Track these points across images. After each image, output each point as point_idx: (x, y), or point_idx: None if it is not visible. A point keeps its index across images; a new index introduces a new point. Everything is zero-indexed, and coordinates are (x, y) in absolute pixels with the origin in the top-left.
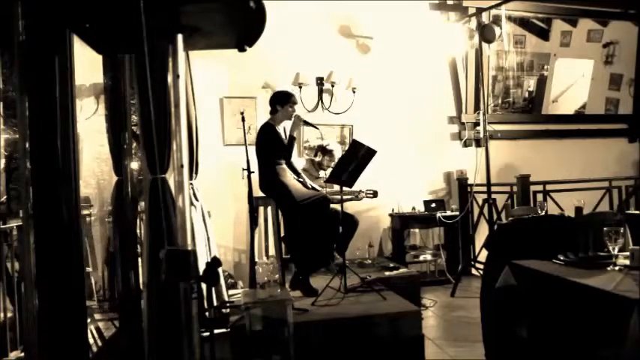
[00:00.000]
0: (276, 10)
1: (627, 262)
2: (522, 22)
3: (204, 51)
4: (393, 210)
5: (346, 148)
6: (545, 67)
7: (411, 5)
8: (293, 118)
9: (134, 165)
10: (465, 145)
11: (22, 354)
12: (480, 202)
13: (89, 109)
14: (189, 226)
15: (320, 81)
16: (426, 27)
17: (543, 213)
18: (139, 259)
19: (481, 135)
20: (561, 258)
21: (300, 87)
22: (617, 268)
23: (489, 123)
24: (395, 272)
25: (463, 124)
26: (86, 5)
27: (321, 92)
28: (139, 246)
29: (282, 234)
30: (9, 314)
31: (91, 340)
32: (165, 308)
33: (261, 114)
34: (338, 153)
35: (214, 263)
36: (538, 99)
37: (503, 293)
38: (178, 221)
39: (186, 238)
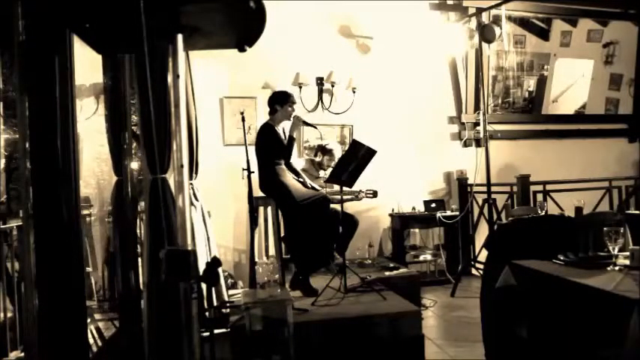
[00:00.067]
0: (276, 10)
1: (627, 262)
2: (522, 22)
3: (204, 51)
4: (393, 210)
5: (346, 148)
6: (545, 67)
7: (411, 5)
8: (292, 119)
9: (134, 165)
10: (465, 145)
11: (22, 354)
12: (480, 202)
13: (89, 109)
14: (189, 226)
15: (320, 81)
16: (426, 27)
17: (543, 213)
18: (139, 259)
19: (481, 135)
20: (561, 258)
21: (300, 87)
22: (617, 268)
23: (489, 123)
24: (395, 272)
25: (463, 124)
26: (86, 5)
27: (321, 92)
28: (139, 246)
29: (282, 234)
30: (9, 314)
31: (91, 340)
32: (165, 308)
33: (261, 114)
34: (338, 153)
35: (214, 263)
36: (538, 99)
37: (503, 293)
38: (178, 221)
39: (186, 238)
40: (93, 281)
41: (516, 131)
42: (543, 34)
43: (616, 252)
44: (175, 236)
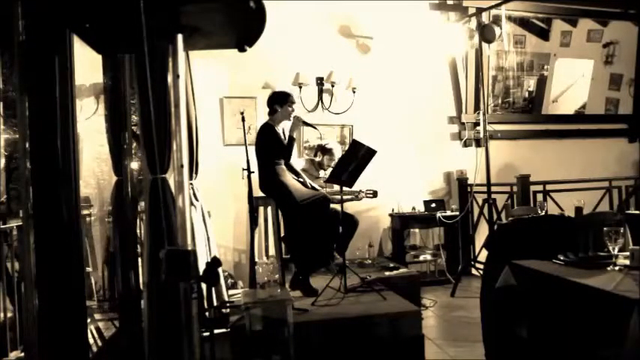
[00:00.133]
0: (276, 10)
1: (627, 262)
2: (522, 22)
3: (204, 51)
4: (393, 210)
5: (346, 148)
6: (545, 67)
7: (411, 5)
8: (292, 119)
9: (134, 165)
10: (465, 145)
11: (22, 354)
12: (480, 202)
13: (89, 109)
14: (189, 226)
15: (320, 81)
16: (426, 27)
17: (543, 213)
18: (139, 259)
19: (481, 135)
20: (561, 258)
21: (300, 87)
22: (617, 268)
23: (489, 123)
24: (395, 272)
25: (463, 124)
26: (86, 5)
27: (321, 92)
28: (139, 246)
29: (282, 234)
30: (9, 314)
31: (91, 340)
32: (165, 308)
33: (261, 114)
34: (338, 152)
35: (214, 263)
36: (538, 99)
37: (503, 293)
38: (178, 221)
39: (186, 238)
40: (93, 281)
41: (516, 131)
42: (543, 34)
43: (616, 252)
44: (175, 236)
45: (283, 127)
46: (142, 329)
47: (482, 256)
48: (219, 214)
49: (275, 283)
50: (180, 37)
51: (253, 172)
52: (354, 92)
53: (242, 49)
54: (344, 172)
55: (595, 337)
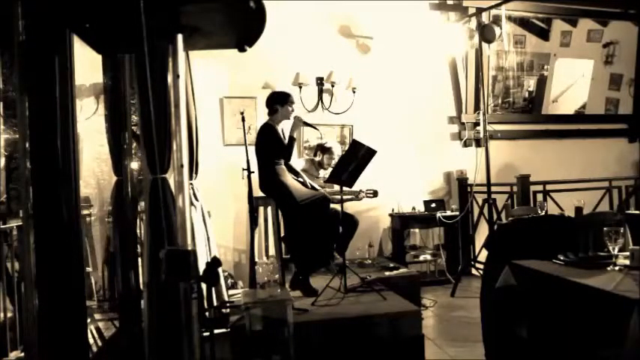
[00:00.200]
0: (276, 10)
1: (627, 262)
2: (522, 22)
3: (204, 51)
4: (393, 210)
5: (346, 148)
6: (545, 67)
7: (411, 5)
8: (293, 119)
9: (134, 165)
10: (465, 145)
11: (22, 354)
12: (480, 202)
13: (89, 109)
14: (189, 226)
15: (320, 81)
16: (426, 27)
17: (543, 213)
18: (139, 259)
19: (481, 135)
20: (561, 258)
21: (300, 87)
22: (617, 268)
23: (489, 123)
24: (395, 272)
25: (463, 124)
26: (86, 5)
27: (321, 92)
28: (139, 246)
29: (282, 234)
30: (9, 314)
31: (91, 340)
32: (165, 308)
33: (261, 114)
34: (337, 151)
35: (214, 263)
36: (538, 99)
37: (503, 293)
38: (178, 221)
39: (186, 238)
40: (93, 281)
41: (516, 131)
42: (543, 34)
43: (616, 252)
44: (175, 236)
45: (283, 127)
46: (142, 329)
47: (482, 256)
48: (219, 214)
49: (275, 283)
50: (180, 37)
51: (253, 172)
52: (354, 92)
53: (242, 49)
54: (344, 172)
55: (595, 337)
